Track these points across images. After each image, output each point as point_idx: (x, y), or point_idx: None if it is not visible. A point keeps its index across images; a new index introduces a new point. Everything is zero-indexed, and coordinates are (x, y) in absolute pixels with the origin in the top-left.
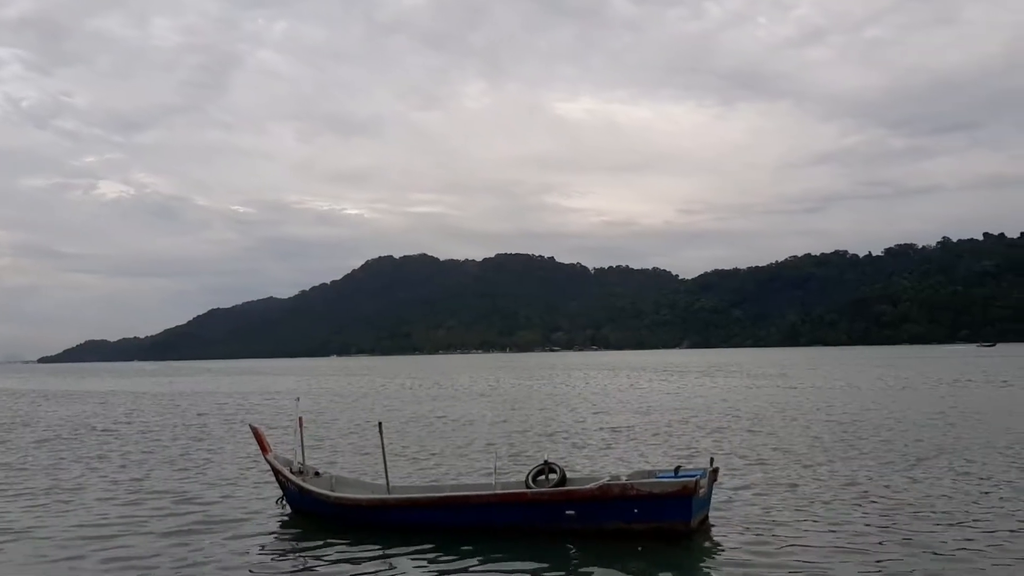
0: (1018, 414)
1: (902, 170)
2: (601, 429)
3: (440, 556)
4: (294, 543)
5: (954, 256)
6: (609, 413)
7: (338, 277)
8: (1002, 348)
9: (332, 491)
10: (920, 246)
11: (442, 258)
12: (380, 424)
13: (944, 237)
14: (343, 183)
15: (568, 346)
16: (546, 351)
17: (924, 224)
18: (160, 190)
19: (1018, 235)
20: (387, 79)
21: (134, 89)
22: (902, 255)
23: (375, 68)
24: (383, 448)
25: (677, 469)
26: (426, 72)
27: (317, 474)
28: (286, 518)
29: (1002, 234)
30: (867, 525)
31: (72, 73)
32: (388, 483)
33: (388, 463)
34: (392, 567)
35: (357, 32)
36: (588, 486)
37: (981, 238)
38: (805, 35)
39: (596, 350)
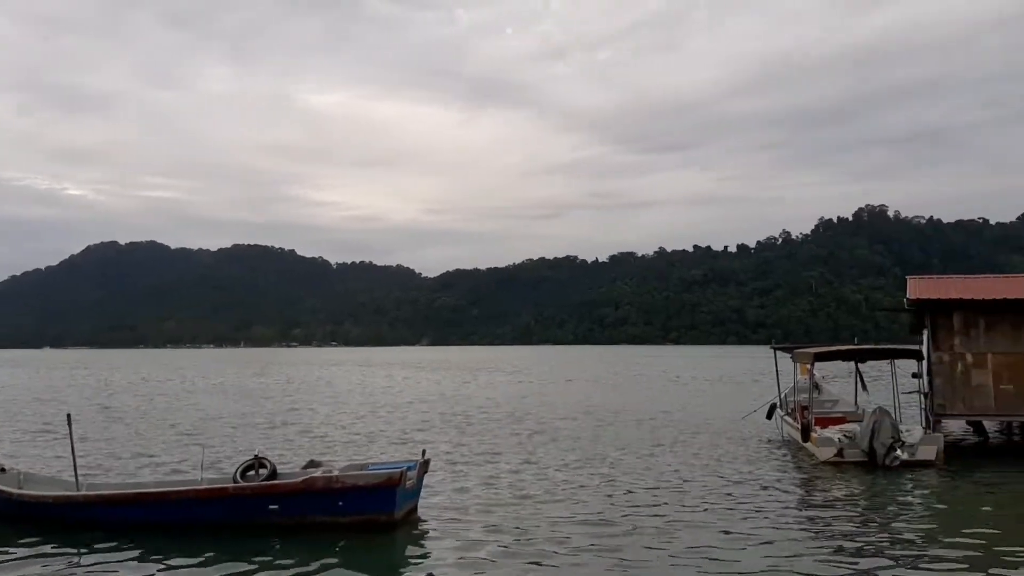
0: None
1: (626, 184)
2: (329, 424)
3: (133, 554)
4: None
5: (668, 264)
6: (338, 408)
7: (55, 263)
8: (710, 350)
9: (20, 488)
10: (640, 254)
11: (173, 246)
12: (68, 416)
13: (660, 247)
14: (66, 161)
15: (307, 342)
16: (283, 347)
17: (644, 235)
18: None
19: (722, 248)
20: (123, 54)
21: None
22: (624, 262)
23: (111, 41)
24: (72, 441)
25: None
26: (167, 50)
27: (2, 470)
28: None
29: (709, 247)
30: (578, 518)
31: None
32: (77, 479)
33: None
34: (78, 567)
35: (93, 1)
36: (292, 480)
37: (691, 250)
38: (548, 50)
39: (336, 346)
